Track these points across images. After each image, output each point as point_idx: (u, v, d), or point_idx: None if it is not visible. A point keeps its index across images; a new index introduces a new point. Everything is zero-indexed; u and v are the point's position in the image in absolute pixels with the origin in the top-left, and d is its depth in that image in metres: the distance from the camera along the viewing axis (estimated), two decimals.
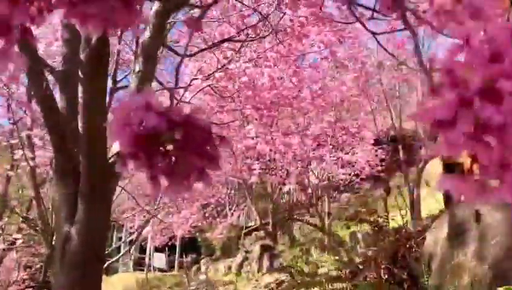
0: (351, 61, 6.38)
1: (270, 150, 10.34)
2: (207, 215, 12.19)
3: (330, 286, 2.33)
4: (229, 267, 11.50)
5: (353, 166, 9.28)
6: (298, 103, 6.04)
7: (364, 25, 1.51)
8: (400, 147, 7.03)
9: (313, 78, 6.13)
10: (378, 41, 1.84)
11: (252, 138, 7.43)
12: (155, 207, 6.55)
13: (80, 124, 2.05)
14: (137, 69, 2.48)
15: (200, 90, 3.95)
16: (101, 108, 2.07)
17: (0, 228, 5.32)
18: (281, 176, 10.92)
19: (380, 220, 2.58)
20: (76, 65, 2.41)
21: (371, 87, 7.22)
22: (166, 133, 0.43)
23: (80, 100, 2.02)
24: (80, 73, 1.99)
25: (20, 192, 6.09)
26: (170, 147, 0.44)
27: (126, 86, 3.33)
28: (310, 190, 12.25)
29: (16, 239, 5.11)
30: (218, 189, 12.16)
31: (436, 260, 2.41)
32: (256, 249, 10.11)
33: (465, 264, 2.18)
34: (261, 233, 12.97)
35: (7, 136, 6.05)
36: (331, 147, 9.08)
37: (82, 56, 1.96)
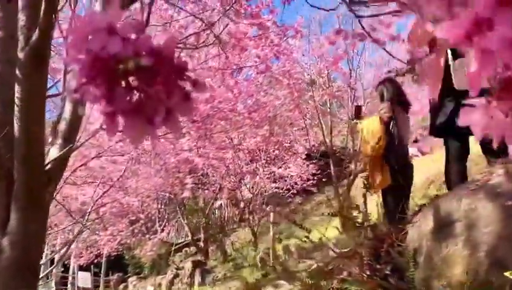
0: (285, 77, 6.54)
1: (203, 165, 10.30)
2: (136, 231, 11.80)
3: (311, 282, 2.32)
4: (159, 285, 11.18)
5: (286, 180, 9.46)
6: (234, 116, 6.08)
7: (350, 7, 1.55)
8: (331, 161, 7.27)
9: (248, 92, 6.22)
10: (362, 25, 1.89)
11: (187, 151, 7.36)
12: (84, 222, 6.24)
13: (16, 126, 1.93)
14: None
15: None
16: (40, 110, 1.96)
17: None
18: (213, 191, 10.88)
19: (360, 216, 2.63)
20: (10, 65, 2.28)
21: (303, 103, 7.44)
22: (131, 61, 0.36)
23: (17, 101, 1.90)
24: (18, 73, 1.88)
25: None
26: (135, 79, 0.37)
27: (57, 94, 3.17)
28: (242, 205, 12.29)
29: None
30: (148, 204, 11.84)
31: (422, 253, 2.44)
32: (187, 265, 9.92)
33: (455, 254, 2.22)
34: (192, 249, 12.77)
35: None
36: (264, 161, 9.20)
37: (21, 55, 1.85)
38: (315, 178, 9.42)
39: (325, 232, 2.93)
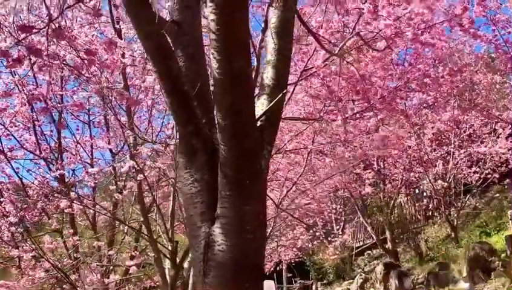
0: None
1: (381, 156, 9.35)
2: (317, 234, 11.24)
3: None
4: None
5: (485, 163, 7.93)
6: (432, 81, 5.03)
7: None
8: None
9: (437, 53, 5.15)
10: None
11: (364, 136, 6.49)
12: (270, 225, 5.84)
13: (214, 66, 1.36)
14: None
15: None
16: (244, 37, 1.35)
17: (111, 258, 4.90)
18: (395, 186, 9.81)
19: None
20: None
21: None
22: None
23: (213, 31, 1.32)
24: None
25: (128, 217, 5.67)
26: None
27: None
28: (429, 199, 10.90)
29: (129, 267, 4.62)
30: (326, 204, 11.17)
31: None
32: (378, 268, 8.99)
33: None
34: (375, 251, 11.77)
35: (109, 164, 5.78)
36: (456, 144, 7.88)
37: None
38: None
39: None
